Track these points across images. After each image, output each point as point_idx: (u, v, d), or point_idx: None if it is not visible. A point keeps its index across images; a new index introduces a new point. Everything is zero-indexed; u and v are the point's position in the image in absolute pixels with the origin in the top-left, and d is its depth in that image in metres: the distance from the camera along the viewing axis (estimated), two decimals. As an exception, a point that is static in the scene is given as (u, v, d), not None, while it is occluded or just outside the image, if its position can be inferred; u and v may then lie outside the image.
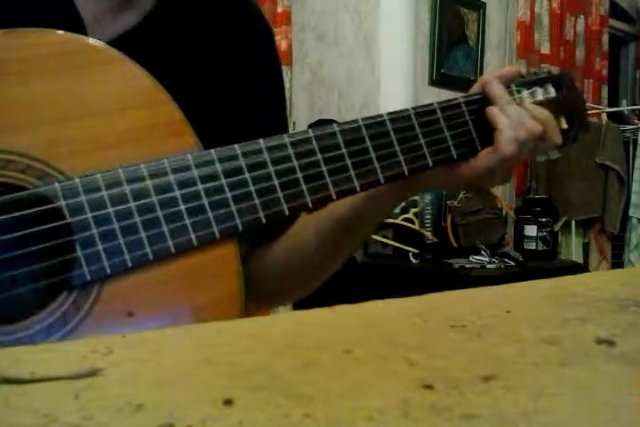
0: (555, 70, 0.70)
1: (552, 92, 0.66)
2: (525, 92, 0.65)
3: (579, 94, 0.70)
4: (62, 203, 0.48)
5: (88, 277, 0.48)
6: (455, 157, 0.61)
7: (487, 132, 0.61)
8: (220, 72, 0.66)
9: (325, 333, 0.33)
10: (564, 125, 0.66)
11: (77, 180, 0.49)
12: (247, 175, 0.53)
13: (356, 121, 0.58)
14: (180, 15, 0.66)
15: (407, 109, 0.60)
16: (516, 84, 0.65)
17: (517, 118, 0.60)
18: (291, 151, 0.54)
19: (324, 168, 0.55)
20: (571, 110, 0.67)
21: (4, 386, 0.24)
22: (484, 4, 3.59)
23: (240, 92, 0.68)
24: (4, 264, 0.47)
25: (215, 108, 0.64)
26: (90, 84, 0.51)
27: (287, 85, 2.57)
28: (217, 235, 0.51)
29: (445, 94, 3.39)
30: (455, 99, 0.63)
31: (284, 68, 2.56)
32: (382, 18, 3.06)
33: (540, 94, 0.65)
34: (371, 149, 0.57)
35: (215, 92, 0.65)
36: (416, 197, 2.86)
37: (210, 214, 0.51)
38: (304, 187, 0.54)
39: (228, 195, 0.52)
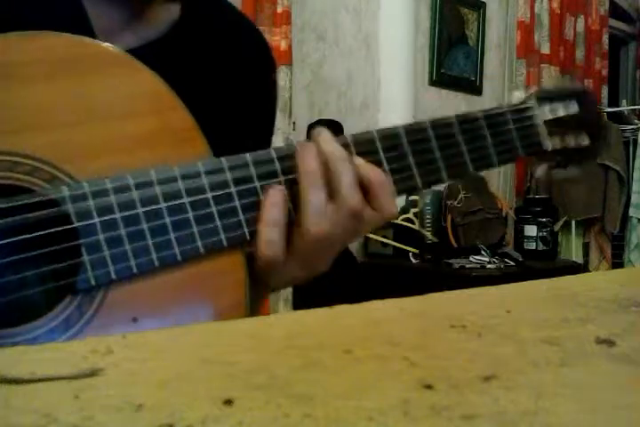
0: (577, 86, 0.69)
1: (575, 107, 0.66)
2: (547, 108, 0.65)
3: (597, 111, 0.70)
4: (70, 207, 0.48)
5: (93, 282, 0.48)
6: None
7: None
8: (222, 97, 0.67)
9: (325, 333, 0.33)
10: (586, 142, 0.66)
11: (85, 184, 0.48)
12: (257, 184, 0.52)
13: (369, 132, 0.57)
14: (193, 41, 0.66)
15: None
16: (537, 98, 0.65)
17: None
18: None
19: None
20: (592, 126, 0.66)
21: (4, 386, 0.24)
22: (484, 3, 3.59)
23: (236, 114, 0.68)
24: (10, 267, 0.47)
25: (215, 129, 0.64)
26: (101, 88, 0.51)
27: (287, 85, 2.57)
28: (224, 243, 0.51)
29: (445, 94, 3.39)
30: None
31: (284, 68, 2.56)
32: (382, 18, 3.06)
33: (561, 109, 0.65)
34: (384, 160, 0.57)
35: (212, 119, 0.66)
36: (416, 197, 2.86)
37: (218, 222, 0.51)
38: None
39: (237, 203, 0.52)
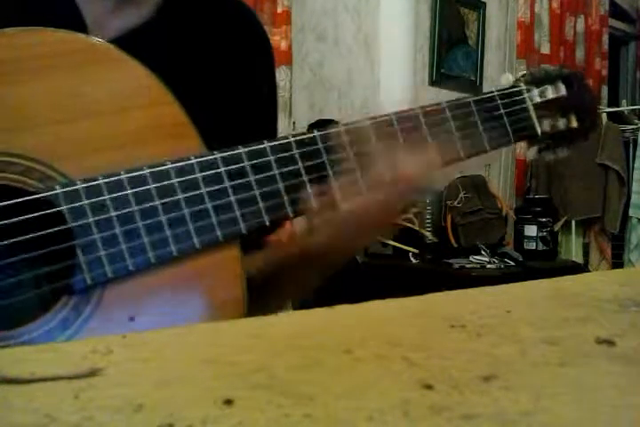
0: (566, 68, 0.68)
1: (563, 89, 0.65)
2: (535, 91, 0.64)
3: (590, 93, 0.69)
4: (64, 207, 0.47)
5: (89, 282, 0.47)
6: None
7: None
8: (217, 77, 0.66)
9: (325, 333, 0.33)
10: (575, 123, 0.65)
11: (79, 183, 0.48)
12: (251, 178, 0.52)
13: (364, 121, 0.57)
14: (183, 20, 0.66)
15: (410, 110, 0.60)
16: (526, 82, 0.65)
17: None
18: (296, 152, 0.54)
19: (329, 170, 0.54)
20: (581, 108, 0.66)
21: (4, 386, 0.24)
22: (484, 3, 3.59)
23: (234, 98, 0.67)
24: (5, 269, 0.47)
25: (211, 112, 0.64)
26: (92, 84, 0.50)
27: (287, 85, 2.57)
28: (220, 238, 0.51)
29: (445, 94, 3.39)
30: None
31: (284, 68, 2.56)
32: (382, 18, 3.06)
33: (550, 92, 0.65)
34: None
35: (211, 96, 0.65)
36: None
37: (213, 218, 0.50)
38: (309, 190, 0.54)
39: (232, 198, 0.51)
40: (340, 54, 2.97)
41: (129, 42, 0.57)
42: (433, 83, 3.35)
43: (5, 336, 0.46)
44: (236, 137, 0.55)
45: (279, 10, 2.59)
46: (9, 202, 0.46)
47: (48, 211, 0.47)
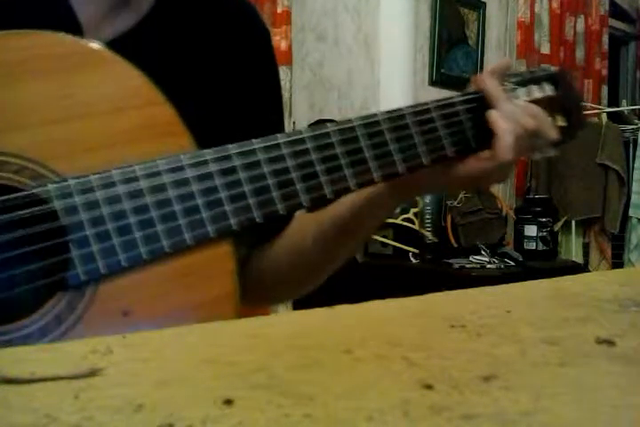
0: (552, 68, 0.69)
1: (548, 90, 0.66)
2: (521, 91, 0.65)
3: (576, 92, 0.70)
4: (56, 204, 0.48)
5: (83, 278, 0.48)
6: (449, 155, 0.61)
7: (485, 132, 0.61)
8: (217, 74, 0.66)
9: (325, 333, 0.33)
10: (562, 123, 0.66)
11: (71, 180, 0.49)
12: (241, 175, 0.53)
13: (350, 120, 0.58)
14: (178, 17, 0.66)
15: (402, 108, 0.60)
16: (512, 82, 0.65)
17: (514, 118, 0.60)
18: (285, 151, 0.54)
19: (318, 167, 0.55)
20: (568, 108, 0.67)
21: (4, 386, 0.24)
22: (484, 3, 3.59)
23: (237, 95, 0.68)
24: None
25: (212, 110, 0.64)
26: (84, 86, 0.51)
27: (287, 85, 2.57)
28: (211, 234, 0.51)
29: (445, 94, 3.37)
30: (451, 97, 0.63)
31: (284, 68, 2.56)
32: (382, 18, 3.06)
33: (536, 92, 0.65)
34: (365, 148, 0.57)
35: (212, 93, 0.66)
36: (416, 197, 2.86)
37: (204, 214, 0.51)
38: (298, 186, 0.54)
39: (222, 194, 0.52)
40: (339, 54, 2.97)
41: (124, 44, 0.57)
42: (433, 83, 3.35)
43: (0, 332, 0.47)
44: (233, 136, 0.56)
45: (279, 10, 2.59)
46: (1, 198, 0.47)
47: (41, 208, 0.48)
